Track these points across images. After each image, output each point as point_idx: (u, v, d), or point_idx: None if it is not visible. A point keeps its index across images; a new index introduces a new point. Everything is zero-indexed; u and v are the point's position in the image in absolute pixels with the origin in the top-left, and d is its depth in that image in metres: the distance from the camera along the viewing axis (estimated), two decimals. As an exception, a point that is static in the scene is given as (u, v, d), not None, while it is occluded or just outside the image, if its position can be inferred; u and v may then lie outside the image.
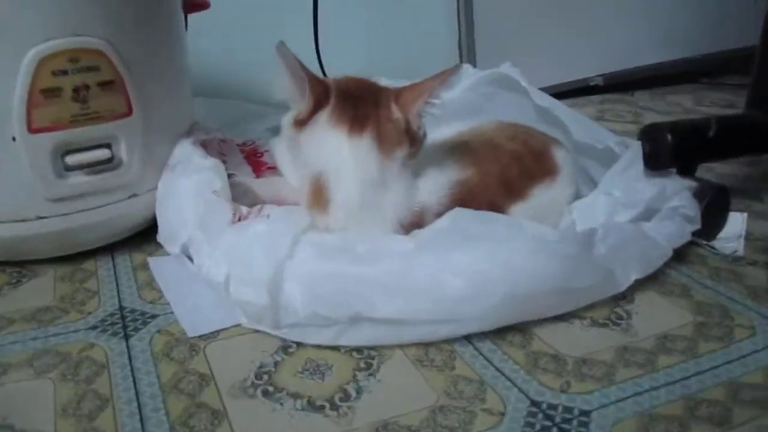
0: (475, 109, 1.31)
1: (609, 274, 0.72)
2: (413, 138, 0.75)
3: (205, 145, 0.96)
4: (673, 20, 1.67)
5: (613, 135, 0.99)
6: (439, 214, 0.75)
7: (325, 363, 0.66)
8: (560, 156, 0.86)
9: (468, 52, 1.55)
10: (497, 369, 0.65)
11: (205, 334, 0.70)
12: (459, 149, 0.83)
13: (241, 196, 0.91)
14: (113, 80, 0.76)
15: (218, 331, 0.71)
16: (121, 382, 0.63)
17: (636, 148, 0.85)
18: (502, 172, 0.81)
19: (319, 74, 1.31)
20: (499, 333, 0.70)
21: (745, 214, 0.93)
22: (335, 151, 0.73)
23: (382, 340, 0.67)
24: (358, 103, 0.75)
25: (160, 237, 0.84)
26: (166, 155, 0.86)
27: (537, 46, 1.51)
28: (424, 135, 0.78)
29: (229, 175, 0.92)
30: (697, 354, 0.68)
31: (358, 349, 0.67)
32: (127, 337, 0.70)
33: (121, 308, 0.75)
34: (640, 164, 0.83)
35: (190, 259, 0.78)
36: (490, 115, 1.26)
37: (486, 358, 0.66)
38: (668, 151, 0.83)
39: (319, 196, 0.74)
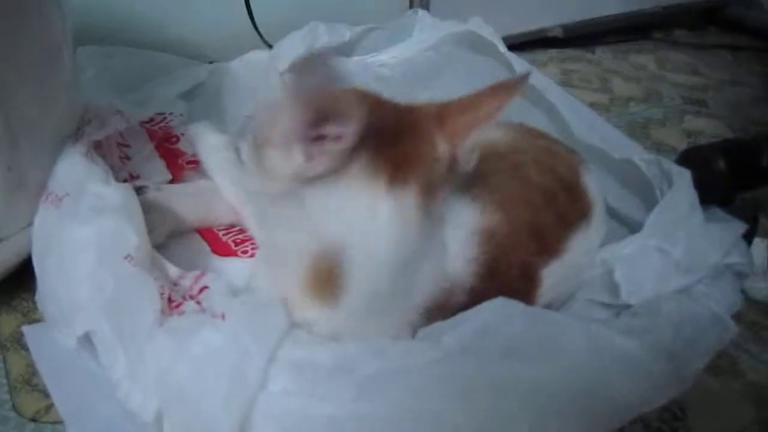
0: (434, 74, 1.09)
1: (676, 372, 0.55)
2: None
3: (100, 145, 0.67)
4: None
5: (632, 142, 0.80)
6: (470, 291, 0.53)
7: None
8: (592, 185, 0.66)
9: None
10: None
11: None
12: (476, 180, 0.59)
13: (159, 223, 0.65)
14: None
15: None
16: None
17: (687, 182, 0.66)
18: (535, 220, 0.60)
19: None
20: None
21: (766, 241, 0.80)
22: (366, 214, 0.49)
23: None
24: (396, 140, 0.50)
25: (41, 301, 0.57)
26: (44, 175, 0.58)
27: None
28: None
29: (139, 189, 0.65)
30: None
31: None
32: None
33: (-16, 435, 0.50)
34: (697, 207, 0.65)
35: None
36: (450, 81, 1.07)
37: None
38: (722, 182, 0.66)
39: (325, 281, 0.49)
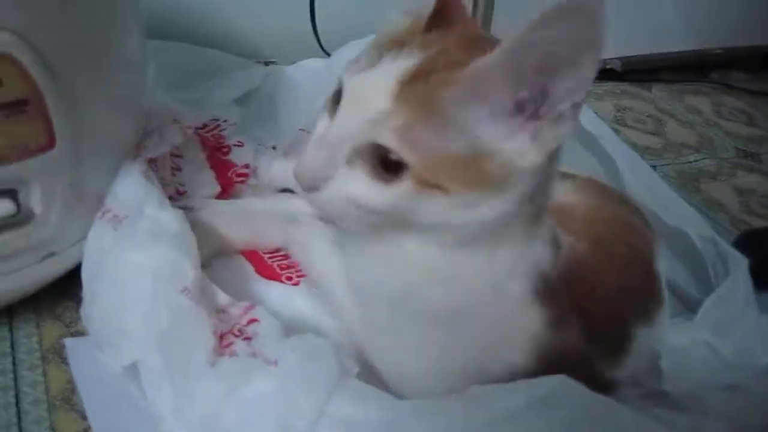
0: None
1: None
2: None
3: (155, 160, 0.66)
4: (698, 6, 1.45)
5: (686, 204, 0.79)
6: None
7: None
8: (662, 269, 0.61)
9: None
10: None
11: None
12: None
13: (203, 243, 0.64)
14: (25, 99, 0.46)
15: None
16: None
17: (744, 273, 0.64)
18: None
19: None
20: None
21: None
22: None
23: None
24: None
25: (87, 318, 0.56)
26: (102, 189, 0.57)
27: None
28: None
29: (186, 208, 0.64)
30: None
31: None
32: None
33: (21, 456, 0.50)
34: (752, 302, 0.63)
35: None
36: None
37: None
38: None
39: None
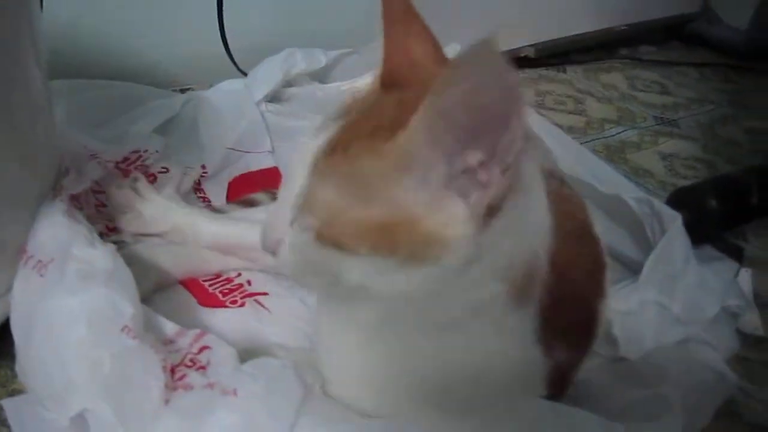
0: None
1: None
2: None
3: (77, 197, 0.63)
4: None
5: (617, 174, 0.81)
6: None
7: None
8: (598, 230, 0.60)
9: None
10: None
11: None
12: None
13: (142, 278, 0.62)
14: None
15: None
16: None
17: (679, 228, 0.66)
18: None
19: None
20: None
21: (749, 271, 0.80)
22: None
23: None
24: None
25: (23, 374, 0.53)
26: (23, 236, 0.54)
27: (465, 13, 1.27)
28: None
29: (118, 244, 0.62)
30: None
31: None
32: None
33: None
34: (691, 257, 0.65)
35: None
36: None
37: None
38: (714, 222, 0.66)
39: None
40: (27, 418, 0.52)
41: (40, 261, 0.52)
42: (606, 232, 0.78)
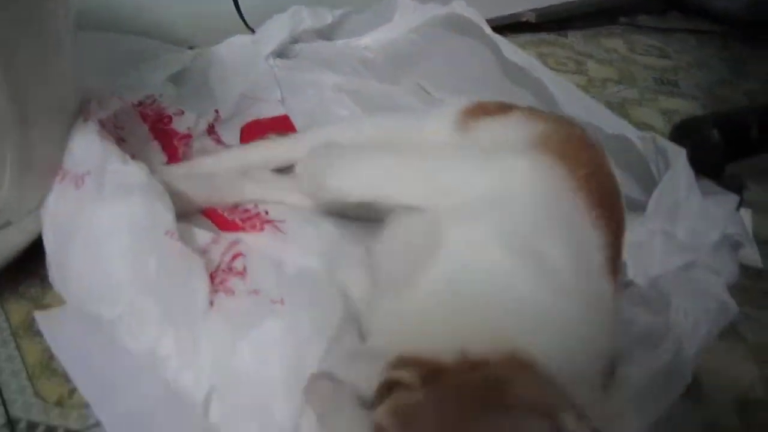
0: (418, 56, 1.10)
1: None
2: None
3: (103, 125, 0.65)
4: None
5: (618, 118, 0.83)
6: None
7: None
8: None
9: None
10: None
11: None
12: None
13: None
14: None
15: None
16: None
17: (684, 161, 0.68)
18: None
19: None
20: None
21: (750, 211, 0.83)
22: None
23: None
24: None
25: (61, 284, 0.54)
26: (55, 155, 0.56)
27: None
28: None
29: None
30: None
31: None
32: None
33: (11, 423, 0.48)
34: (695, 187, 0.67)
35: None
36: (435, 63, 1.07)
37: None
38: (716, 153, 0.68)
39: None
40: (57, 328, 0.54)
41: (76, 175, 0.54)
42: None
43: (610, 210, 0.54)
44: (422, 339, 0.41)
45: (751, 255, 0.79)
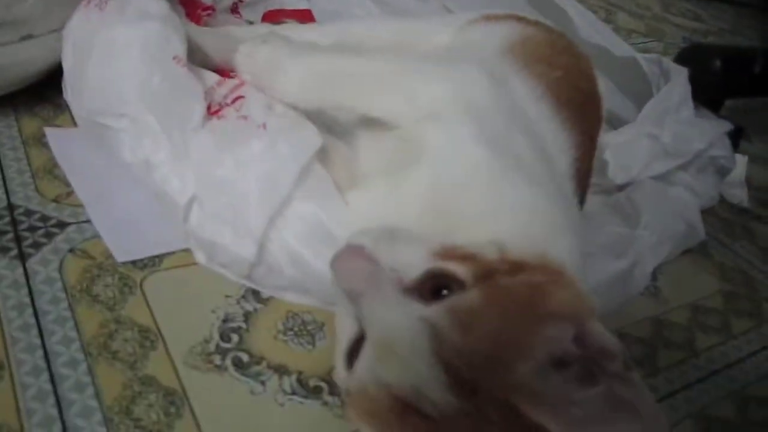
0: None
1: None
2: None
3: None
4: None
5: (632, 48, 0.84)
6: None
7: (313, 319, 0.50)
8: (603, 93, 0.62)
9: None
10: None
11: (140, 260, 0.50)
12: None
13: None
14: None
15: (159, 258, 0.51)
16: (22, 336, 0.43)
17: (683, 78, 0.69)
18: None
19: None
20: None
21: (746, 158, 0.84)
22: None
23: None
24: None
25: (69, 95, 0.58)
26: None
27: None
28: None
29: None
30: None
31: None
32: (23, 258, 0.48)
33: (10, 207, 0.52)
34: (688, 100, 0.68)
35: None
36: None
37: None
38: (717, 80, 0.70)
39: None
40: (63, 141, 0.59)
41: (100, 1, 0.57)
42: (618, 107, 0.82)
43: (582, 112, 0.56)
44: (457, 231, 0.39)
45: (739, 194, 0.81)
